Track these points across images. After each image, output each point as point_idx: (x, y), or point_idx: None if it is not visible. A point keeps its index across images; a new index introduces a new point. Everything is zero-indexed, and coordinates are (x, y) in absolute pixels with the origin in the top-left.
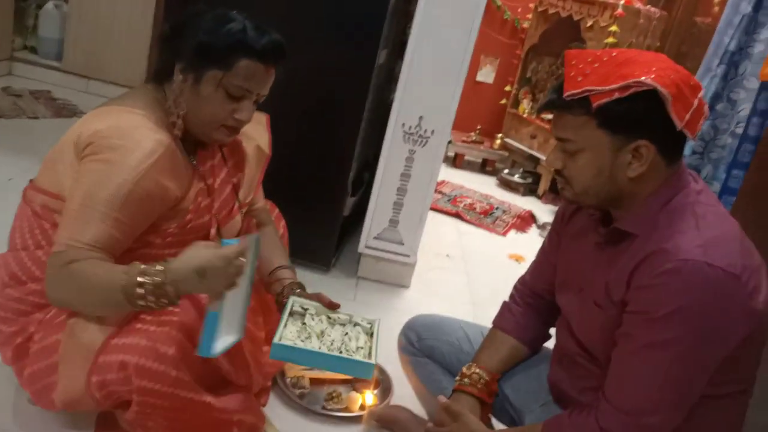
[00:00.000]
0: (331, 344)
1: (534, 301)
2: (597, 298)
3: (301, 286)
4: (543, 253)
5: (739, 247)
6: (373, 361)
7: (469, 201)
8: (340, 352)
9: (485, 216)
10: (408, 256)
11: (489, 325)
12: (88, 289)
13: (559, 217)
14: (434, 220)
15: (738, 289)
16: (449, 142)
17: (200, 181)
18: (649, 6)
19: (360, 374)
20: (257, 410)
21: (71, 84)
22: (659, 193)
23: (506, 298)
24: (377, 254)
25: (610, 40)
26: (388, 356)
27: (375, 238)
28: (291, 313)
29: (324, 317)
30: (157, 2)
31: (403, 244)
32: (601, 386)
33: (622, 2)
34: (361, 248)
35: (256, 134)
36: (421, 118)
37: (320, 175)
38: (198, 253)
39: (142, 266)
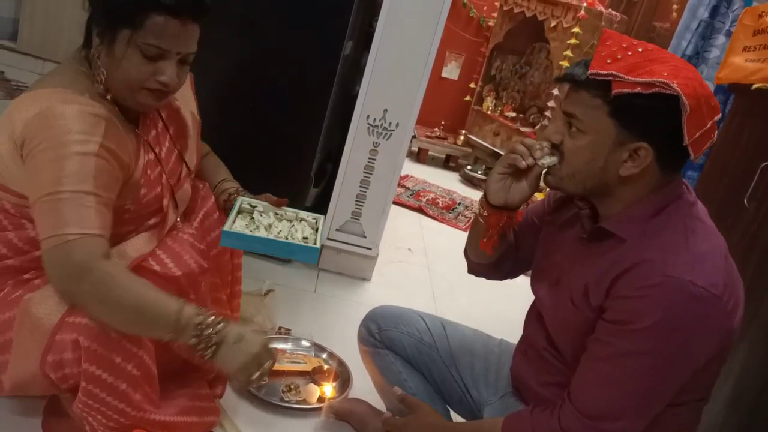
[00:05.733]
0: (278, 233)
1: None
2: (574, 297)
3: (247, 193)
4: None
5: (723, 265)
6: (317, 246)
7: (431, 196)
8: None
9: (447, 211)
10: (370, 248)
11: (450, 318)
12: (126, 296)
13: (545, 203)
14: (397, 213)
15: (718, 310)
16: (413, 136)
17: (147, 152)
18: (610, 9)
19: (305, 258)
20: (207, 408)
21: (26, 65)
22: (650, 199)
23: (467, 292)
24: (339, 246)
25: (573, 41)
26: (348, 349)
27: (337, 230)
28: (239, 211)
29: (272, 213)
30: None
31: (365, 236)
32: (565, 383)
33: (584, 5)
34: (322, 240)
35: (188, 100)
36: (385, 110)
37: (283, 165)
38: (253, 349)
39: (200, 316)
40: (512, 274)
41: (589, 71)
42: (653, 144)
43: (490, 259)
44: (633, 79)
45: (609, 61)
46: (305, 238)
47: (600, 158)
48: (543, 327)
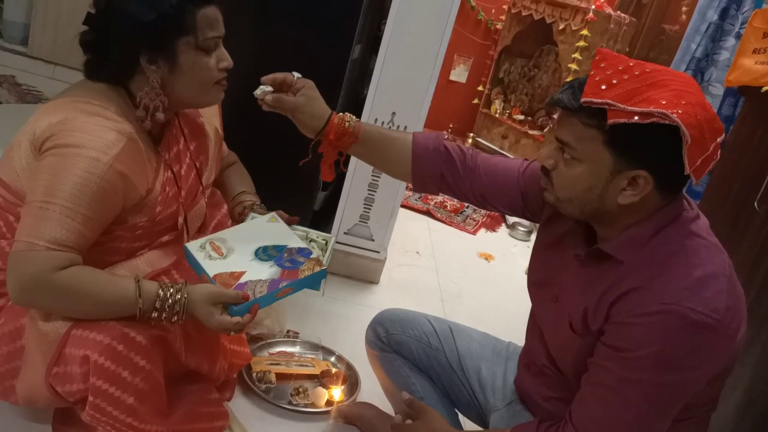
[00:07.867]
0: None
1: (464, 163)
2: (573, 322)
3: (263, 207)
4: (514, 173)
5: (726, 286)
6: (324, 267)
7: (439, 199)
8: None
9: (456, 214)
10: (378, 252)
11: (458, 321)
12: (86, 298)
13: (542, 209)
14: (405, 217)
15: (719, 334)
16: None
17: (167, 171)
18: (619, 12)
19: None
20: (216, 413)
21: (37, 70)
22: (649, 220)
23: (476, 296)
24: (347, 249)
25: (581, 43)
26: (356, 352)
27: (345, 233)
28: None
29: None
30: None
31: (373, 240)
32: (568, 398)
33: (593, 7)
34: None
35: (212, 116)
36: (393, 114)
37: (291, 169)
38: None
39: (159, 288)
40: (471, 201)
41: (582, 99)
42: (652, 171)
43: (404, 178)
44: (630, 108)
45: (603, 87)
46: None
47: (597, 187)
48: (543, 344)
